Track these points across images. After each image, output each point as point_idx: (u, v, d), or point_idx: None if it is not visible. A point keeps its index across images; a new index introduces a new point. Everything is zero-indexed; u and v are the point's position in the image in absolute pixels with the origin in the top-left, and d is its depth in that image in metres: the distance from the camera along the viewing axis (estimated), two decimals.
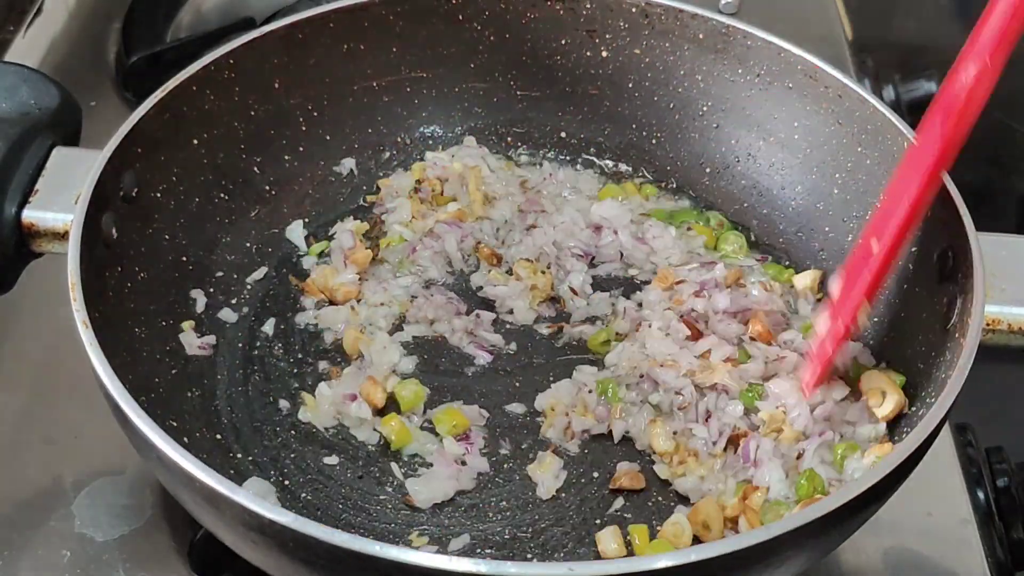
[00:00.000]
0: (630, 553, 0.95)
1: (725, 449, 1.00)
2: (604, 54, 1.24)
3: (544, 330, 1.12)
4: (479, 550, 0.96)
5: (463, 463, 1.01)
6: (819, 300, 1.13)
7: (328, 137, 1.22)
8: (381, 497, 0.99)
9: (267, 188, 1.19)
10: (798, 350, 1.05)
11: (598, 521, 0.98)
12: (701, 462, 1.00)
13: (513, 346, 1.11)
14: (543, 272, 1.14)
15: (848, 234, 1.14)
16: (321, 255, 1.17)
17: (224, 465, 1.00)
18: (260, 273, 1.15)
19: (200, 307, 1.10)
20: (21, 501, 1.05)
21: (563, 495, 1.00)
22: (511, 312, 1.13)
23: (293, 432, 1.04)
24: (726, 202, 1.22)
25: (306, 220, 1.19)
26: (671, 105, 1.24)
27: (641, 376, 1.05)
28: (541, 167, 1.25)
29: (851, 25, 1.63)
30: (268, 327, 1.11)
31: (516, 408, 1.06)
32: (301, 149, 1.21)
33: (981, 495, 1.12)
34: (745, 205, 1.22)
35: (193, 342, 1.07)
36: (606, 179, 1.26)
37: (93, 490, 1.05)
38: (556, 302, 1.15)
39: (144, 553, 1.01)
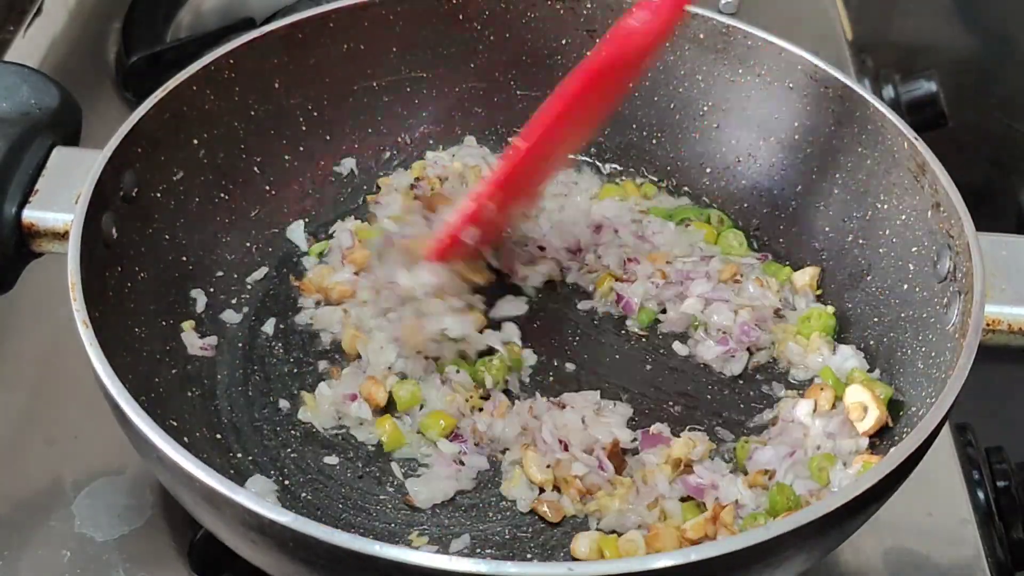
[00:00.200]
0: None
1: (620, 473, 1.00)
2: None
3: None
4: (479, 550, 0.96)
5: (462, 463, 1.01)
6: (818, 296, 1.13)
7: (328, 137, 1.22)
8: (381, 497, 0.99)
9: (267, 188, 1.19)
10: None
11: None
12: (609, 495, 0.99)
13: None
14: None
15: (848, 234, 1.14)
16: (322, 255, 1.17)
17: (224, 465, 1.00)
18: (260, 273, 1.15)
19: (200, 307, 1.10)
20: (21, 501, 1.05)
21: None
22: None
23: (293, 432, 1.04)
24: (726, 202, 1.22)
25: (306, 220, 1.19)
26: (671, 105, 1.24)
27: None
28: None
29: (851, 25, 1.63)
30: (268, 327, 1.11)
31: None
32: (301, 149, 1.21)
33: (981, 495, 1.12)
34: (745, 205, 1.22)
35: (195, 342, 1.07)
36: (606, 179, 1.26)
37: (93, 490, 1.05)
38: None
39: (144, 553, 1.01)
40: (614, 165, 1.27)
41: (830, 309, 1.11)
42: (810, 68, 1.15)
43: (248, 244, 1.16)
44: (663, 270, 1.13)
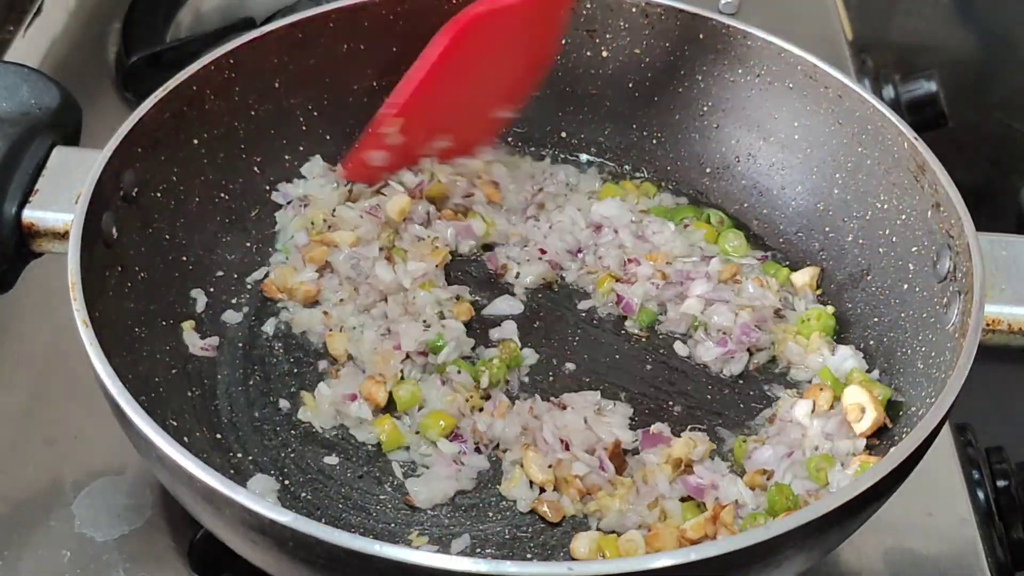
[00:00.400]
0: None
1: (621, 474, 1.00)
2: (604, 54, 1.24)
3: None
4: (479, 550, 0.96)
5: (462, 463, 1.01)
6: (819, 296, 1.14)
7: (328, 137, 1.22)
8: (381, 497, 0.99)
9: (267, 188, 1.19)
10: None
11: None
12: (609, 495, 0.99)
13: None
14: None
15: (848, 234, 1.14)
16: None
17: (224, 465, 1.00)
18: (260, 273, 1.15)
19: (200, 307, 1.10)
20: (21, 501, 1.05)
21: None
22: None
23: (293, 432, 1.04)
24: (726, 202, 1.23)
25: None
26: (671, 105, 1.24)
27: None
28: (540, 165, 1.26)
29: (851, 25, 1.63)
30: (268, 327, 1.11)
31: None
32: (301, 149, 1.21)
33: (981, 495, 1.12)
34: (745, 205, 1.22)
35: (196, 343, 1.07)
36: (606, 178, 1.26)
37: (93, 490, 1.05)
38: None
39: (144, 553, 1.01)
40: (614, 165, 1.27)
41: (830, 309, 1.11)
42: (810, 68, 1.15)
43: (248, 244, 1.16)
44: (663, 271, 1.13)
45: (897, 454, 0.84)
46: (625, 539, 0.95)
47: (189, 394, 1.04)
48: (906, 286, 1.06)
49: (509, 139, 1.27)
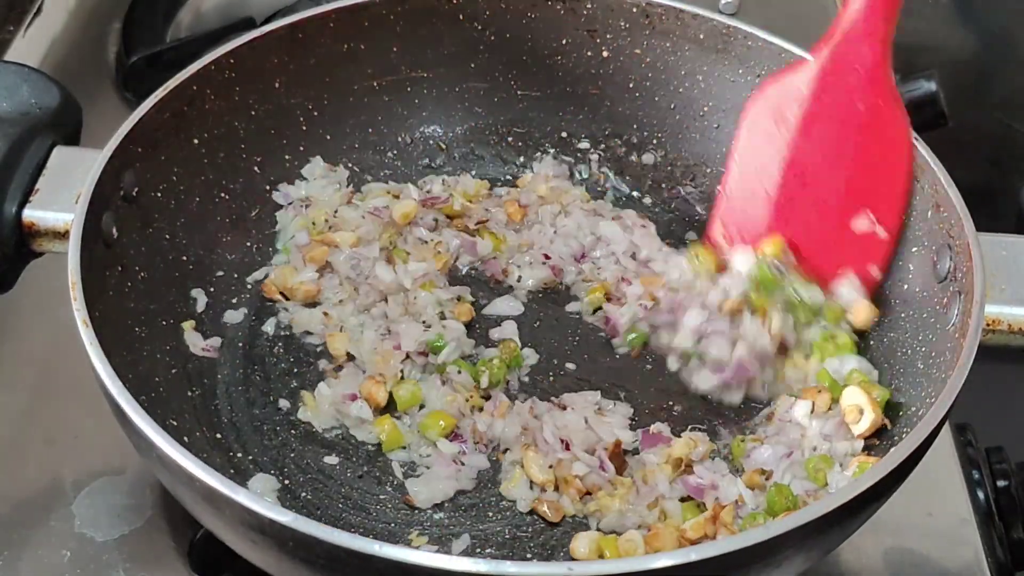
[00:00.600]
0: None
1: (621, 474, 1.00)
2: (605, 54, 1.24)
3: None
4: (479, 550, 0.96)
5: (462, 463, 1.01)
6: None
7: (328, 137, 1.22)
8: (381, 497, 0.99)
9: (267, 188, 1.19)
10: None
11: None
12: (609, 495, 0.98)
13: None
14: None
15: None
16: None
17: (224, 465, 1.00)
18: (260, 273, 1.15)
19: (201, 307, 1.10)
20: (21, 501, 1.05)
21: None
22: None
23: (293, 432, 1.04)
24: None
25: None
26: (672, 105, 1.24)
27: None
28: (541, 165, 1.26)
29: None
30: (269, 327, 1.11)
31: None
32: (301, 149, 1.21)
33: (981, 495, 1.12)
34: None
35: (197, 343, 1.07)
36: (605, 186, 1.26)
37: (93, 490, 1.05)
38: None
39: (144, 553, 1.01)
40: (612, 167, 1.27)
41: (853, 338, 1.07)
42: None
43: (248, 244, 1.16)
44: (653, 293, 1.11)
45: (897, 454, 0.84)
46: (625, 539, 0.95)
47: (189, 394, 1.04)
48: (906, 286, 1.06)
49: (509, 139, 1.27)
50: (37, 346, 1.17)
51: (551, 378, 1.09)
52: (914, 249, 1.06)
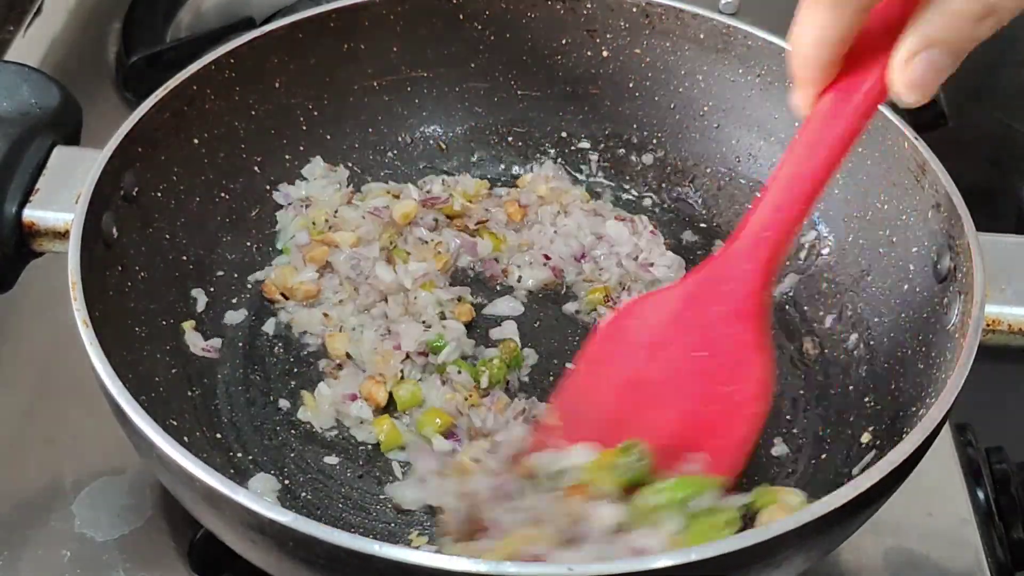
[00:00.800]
0: None
1: None
2: (604, 54, 1.24)
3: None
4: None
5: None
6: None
7: (328, 137, 1.22)
8: (381, 497, 0.99)
9: (267, 188, 1.19)
10: None
11: None
12: None
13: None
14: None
15: (849, 234, 1.14)
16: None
17: (224, 465, 1.00)
18: (260, 273, 1.15)
19: (201, 306, 1.10)
20: (21, 501, 1.04)
21: None
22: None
23: (293, 431, 1.04)
24: (726, 202, 1.23)
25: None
26: (672, 105, 1.24)
27: None
28: (541, 166, 1.26)
29: None
30: (269, 327, 1.11)
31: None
32: (301, 149, 1.21)
33: (981, 495, 1.12)
34: (746, 206, 1.21)
35: (198, 343, 1.07)
36: (604, 185, 1.26)
37: (93, 490, 1.05)
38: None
39: (144, 553, 1.01)
40: (612, 166, 1.27)
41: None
42: None
43: (248, 244, 1.16)
44: None
45: (897, 454, 0.84)
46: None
47: (189, 394, 1.04)
48: (906, 286, 1.06)
49: (509, 139, 1.27)
50: (37, 346, 1.17)
51: (551, 378, 1.09)
52: (914, 249, 1.06)
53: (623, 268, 1.16)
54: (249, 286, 1.14)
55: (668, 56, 1.22)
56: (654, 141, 1.26)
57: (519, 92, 1.27)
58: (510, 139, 1.27)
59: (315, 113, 1.21)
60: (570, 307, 1.15)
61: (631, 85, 1.25)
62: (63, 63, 1.46)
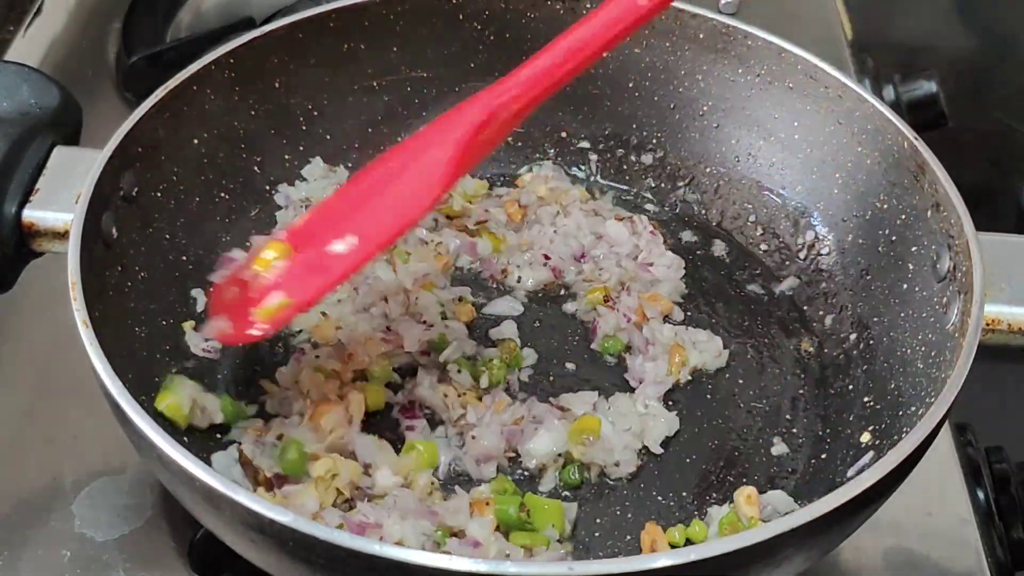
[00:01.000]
0: None
1: None
2: (604, 53, 1.24)
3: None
4: None
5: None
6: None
7: (328, 136, 1.22)
8: None
9: (267, 188, 1.19)
10: None
11: (598, 520, 0.98)
12: None
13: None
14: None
15: (848, 234, 1.14)
16: None
17: None
18: None
19: (201, 307, 1.09)
20: (21, 501, 1.05)
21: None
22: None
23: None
24: (726, 202, 1.23)
25: None
26: (671, 105, 1.24)
27: None
28: (540, 166, 1.26)
29: (851, 25, 1.63)
30: None
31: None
32: (301, 149, 1.21)
33: (981, 495, 1.12)
34: (746, 205, 1.22)
35: (199, 344, 1.06)
36: (602, 184, 1.26)
37: (93, 490, 1.05)
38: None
39: (144, 553, 1.01)
40: (612, 166, 1.27)
41: None
42: (810, 68, 1.15)
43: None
44: (644, 313, 1.11)
45: (897, 454, 0.84)
46: None
47: None
48: (906, 286, 1.06)
49: (509, 139, 1.27)
50: (37, 346, 1.17)
51: (551, 378, 1.09)
52: (914, 248, 1.06)
53: (623, 268, 1.16)
54: None
55: (668, 56, 1.22)
56: (654, 141, 1.26)
57: None
58: (509, 139, 1.27)
59: (315, 113, 1.21)
60: (570, 307, 1.15)
61: (631, 85, 1.25)
62: (63, 63, 1.46)
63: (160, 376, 1.01)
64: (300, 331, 1.10)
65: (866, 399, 1.05)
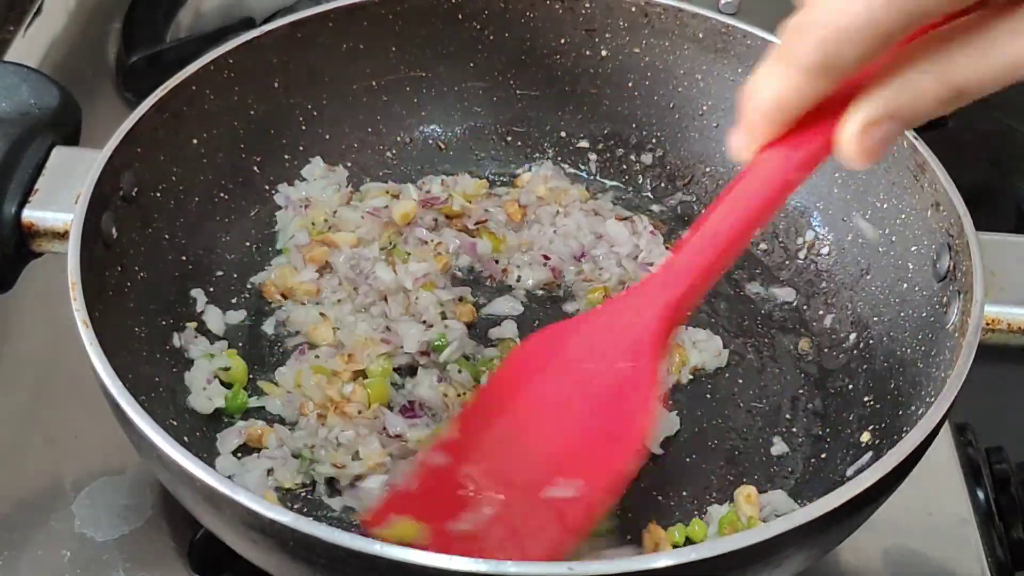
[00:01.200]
0: None
1: None
2: (604, 53, 1.24)
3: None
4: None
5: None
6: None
7: (328, 136, 1.22)
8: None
9: (267, 188, 1.19)
10: None
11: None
12: None
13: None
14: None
15: (848, 233, 1.14)
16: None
17: None
18: (261, 273, 1.15)
19: (200, 307, 1.09)
20: (21, 501, 1.04)
21: None
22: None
23: None
24: None
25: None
26: (671, 104, 1.24)
27: None
28: (540, 166, 1.26)
29: None
30: (268, 327, 1.11)
31: None
32: (301, 149, 1.21)
33: (981, 495, 1.12)
34: None
35: (198, 343, 1.06)
36: (603, 183, 1.26)
37: (93, 490, 1.05)
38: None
39: (144, 553, 1.01)
40: (611, 166, 1.27)
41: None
42: None
43: (248, 244, 1.16)
44: None
45: (897, 454, 0.84)
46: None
47: None
48: (906, 286, 1.06)
49: (508, 138, 1.27)
50: (37, 346, 1.17)
51: None
52: (913, 248, 1.06)
53: (623, 268, 1.16)
54: (249, 286, 1.14)
55: (667, 55, 1.22)
56: (653, 141, 1.26)
57: (518, 92, 1.27)
58: (509, 139, 1.27)
59: (315, 113, 1.21)
60: (570, 307, 1.15)
61: (630, 84, 1.25)
62: (63, 63, 1.46)
63: (160, 376, 1.01)
64: (298, 332, 1.10)
65: (866, 399, 1.05)
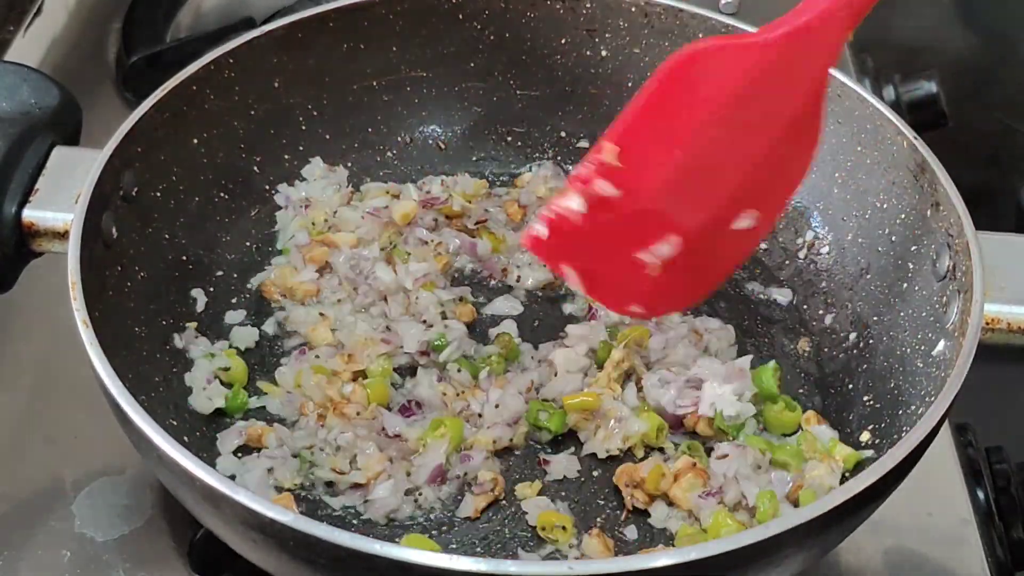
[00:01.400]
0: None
1: None
2: (604, 53, 1.24)
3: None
4: (479, 549, 0.96)
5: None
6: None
7: (328, 136, 1.22)
8: None
9: (267, 188, 1.19)
10: None
11: (599, 519, 0.98)
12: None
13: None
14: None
15: (848, 233, 1.14)
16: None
17: None
18: (261, 273, 1.15)
19: (200, 307, 1.10)
20: (21, 501, 1.05)
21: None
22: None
23: None
24: None
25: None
26: None
27: None
28: (540, 166, 1.26)
29: None
30: (268, 327, 1.11)
31: None
32: (301, 149, 1.21)
33: (981, 495, 1.12)
34: None
35: (198, 343, 1.06)
36: None
37: (93, 490, 1.05)
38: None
39: (144, 553, 1.01)
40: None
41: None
42: None
43: (248, 244, 1.16)
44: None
45: (897, 453, 0.84)
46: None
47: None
48: (906, 285, 1.06)
49: (508, 138, 1.27)
50: (37, 346, 1.17)
51: None
52: (913, 248, 1.06)
53: None
54: (249, 286, 1.14)
55: (667, 55, 1.22)
56: None
57: (518, 92, 1.27)
58: (509, 139, 1.27)
59: (315, 113, 1.21)
60: (569, 307, 1.15)
61: (630, 85, 1.25)
62: (63, 63, 1.46)
63: (160, 376, 1.01)
64: (296, 332, 1.10)
65: (866, 399, 1.05)
